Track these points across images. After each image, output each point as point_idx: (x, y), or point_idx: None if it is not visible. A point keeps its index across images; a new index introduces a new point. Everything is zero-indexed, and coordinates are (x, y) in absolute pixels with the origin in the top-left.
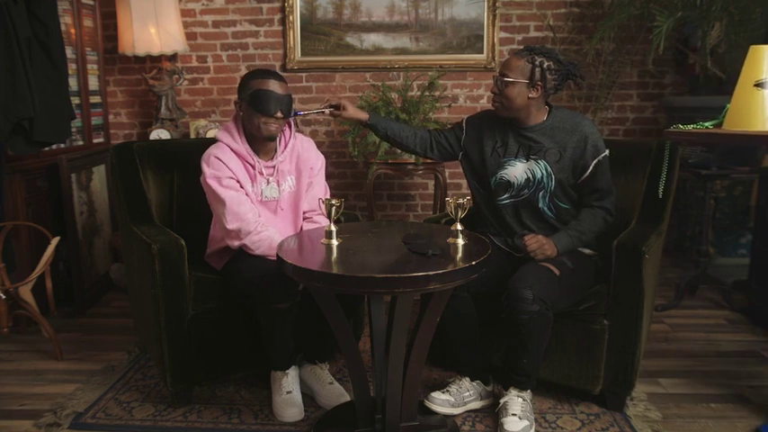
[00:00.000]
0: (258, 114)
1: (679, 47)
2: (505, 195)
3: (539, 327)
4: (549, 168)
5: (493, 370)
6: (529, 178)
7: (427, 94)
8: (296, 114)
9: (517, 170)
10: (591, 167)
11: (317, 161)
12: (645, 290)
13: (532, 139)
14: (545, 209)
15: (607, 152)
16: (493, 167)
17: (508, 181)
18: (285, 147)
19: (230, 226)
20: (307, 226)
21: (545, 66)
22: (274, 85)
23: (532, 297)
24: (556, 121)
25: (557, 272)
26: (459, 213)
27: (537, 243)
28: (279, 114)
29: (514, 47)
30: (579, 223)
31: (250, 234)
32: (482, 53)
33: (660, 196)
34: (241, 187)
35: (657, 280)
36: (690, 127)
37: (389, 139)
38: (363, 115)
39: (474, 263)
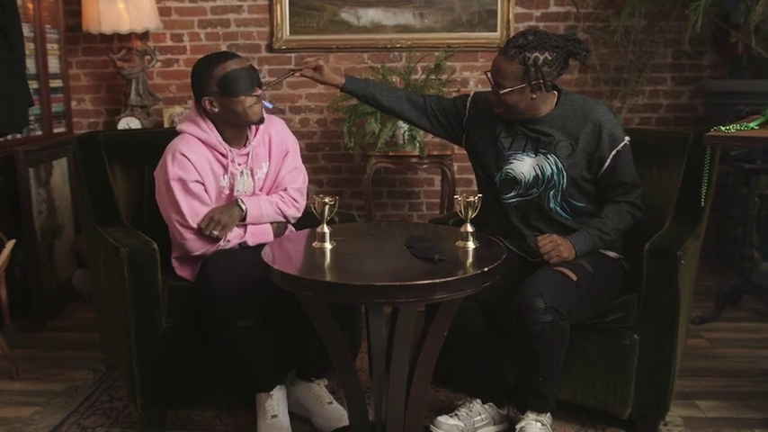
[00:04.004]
0: (237, 99)
1: (719, 24)
2: (512, 193)
3: (553, 339)
4: (559, 164)
5: (507, 391)
6: (537, 175)
7: (433, 77)
8: (266, 88)
9: (525, 165)
10: (609, 160)
11: (291, 145)
12: (680, 300)
13: (541, 131)
14: (557, 209)
15: (627, 140)
16: (497, 161)
17: (515, 177)
18: (257, 130)
19: (187, 235)
20: (270, 197)
21: (540, 62)
22: (235, 63)
23: (544, 306)
24: (566, 109)
25: (574, 277)
26: (470, 213)
27: (551, 244)
28: (257, 90)
29: (532, 23)
30: (601, 221)
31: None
32: (495, 31)
33: (703, 204)
34: (205, 191)
35: (694, 288)
36: (732, 129)
37: (372, 106)
38: (339, 80)
39: (486, 269)
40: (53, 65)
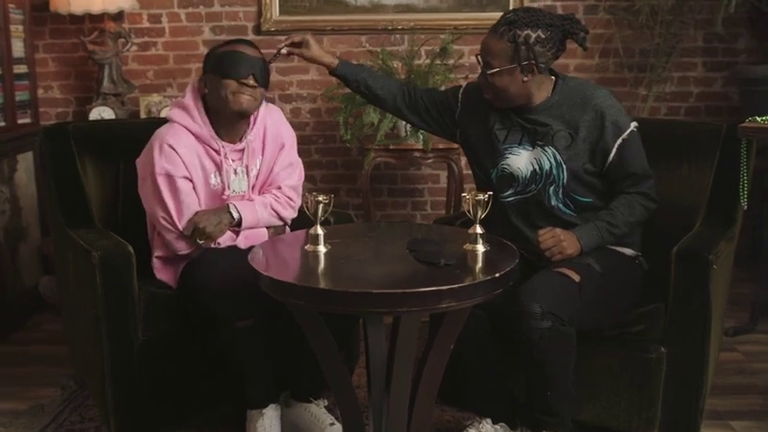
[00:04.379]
0: (225, 81)
1: (755, 3)
2: (509, 191)
3: (554, 347)
4: (558, 156)
5: (520, 409)
6: (535, 170)
7: (438, 62)
8: None
9: (521, 160)
10: (614, 150)
11: (288, 138)
12: (712, 309)
13: (537, 121)
14: (560, 206)
15: (633, 127)
16: (492, 156)
17: (511, 173)
18: (254, 122)
19: (168, 236)
20: (264, 198)
21: (531, 40)
22: (244, 48)
23: (541, 312)
24: (563, 95)
25: (576, 278)
26: (480, 212)
27: (553, 239)
28: (251, 80)
29: (548, 3)
30: (611, 213)
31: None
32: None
33: (745, 206)
34: (194, 188)
35: (728, 297)
36: None
37: (363, 95)
38: (330, 60)
39: (498, 275)
40: (17, 49)
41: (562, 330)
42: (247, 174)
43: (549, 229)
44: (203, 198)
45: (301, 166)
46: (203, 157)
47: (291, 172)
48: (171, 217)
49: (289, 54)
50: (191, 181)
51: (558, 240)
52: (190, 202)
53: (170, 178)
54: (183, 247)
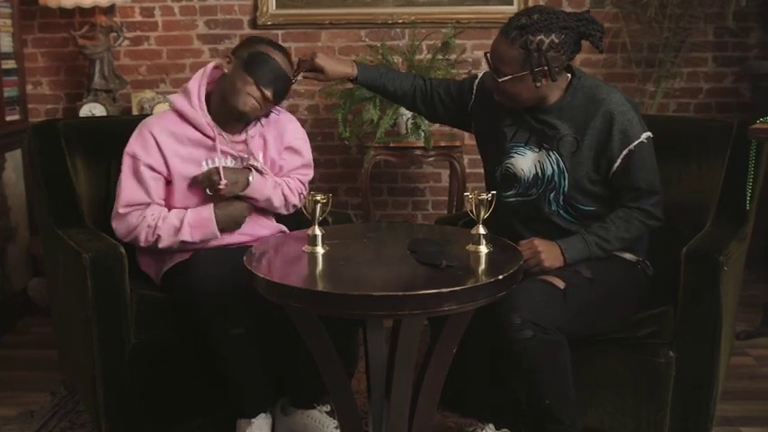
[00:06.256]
0: (247, 78)
1: None
2: (511, 192)
3: (543, 356)
4: (561, 164)
5: (522, 415)
6: (537, 174)
7: (440, 57)
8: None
9: (526, 161)
10: (619, 161)
11: (297, 143)
12: (723, 312)
13: (547, 122)
14: (560, 211)
15: (645, 138)
16: (498, 153)
17: (515, 174)
18: (257, 120)
19: (115, 224)
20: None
21: (544, 46)
22: (280, 58)
23: (521, 322)
24: (576, 97)
25: (560, 285)
26: (482, 212)
27: (530, 251)
28: (268, 92)
29: None
30: (604, 227)
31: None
32: (512, 4)
33: (747, 206)
34: (169, 181)
35: (739, 299)
36: None
37: (382, 95)
38: (349, 70)
39: (501, 277)
40: (5, 43)
41: (547, 338)
42: (261, 161)
43: (529, 240)
44: (192, 191)
45: (312, 168)
46: (191, 146)
47: (305, 172)
48: (118, 196)
49: (305, 78)
50: (159, 173)
51: (536, 252)
52: (144, 192)
53: (135, 160)
54: (121, 231)
